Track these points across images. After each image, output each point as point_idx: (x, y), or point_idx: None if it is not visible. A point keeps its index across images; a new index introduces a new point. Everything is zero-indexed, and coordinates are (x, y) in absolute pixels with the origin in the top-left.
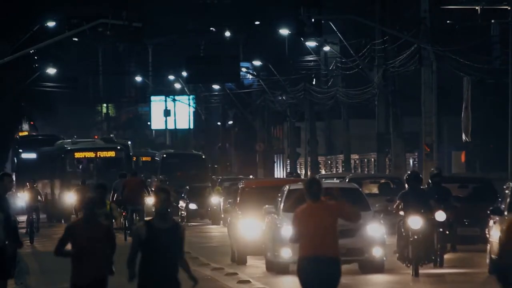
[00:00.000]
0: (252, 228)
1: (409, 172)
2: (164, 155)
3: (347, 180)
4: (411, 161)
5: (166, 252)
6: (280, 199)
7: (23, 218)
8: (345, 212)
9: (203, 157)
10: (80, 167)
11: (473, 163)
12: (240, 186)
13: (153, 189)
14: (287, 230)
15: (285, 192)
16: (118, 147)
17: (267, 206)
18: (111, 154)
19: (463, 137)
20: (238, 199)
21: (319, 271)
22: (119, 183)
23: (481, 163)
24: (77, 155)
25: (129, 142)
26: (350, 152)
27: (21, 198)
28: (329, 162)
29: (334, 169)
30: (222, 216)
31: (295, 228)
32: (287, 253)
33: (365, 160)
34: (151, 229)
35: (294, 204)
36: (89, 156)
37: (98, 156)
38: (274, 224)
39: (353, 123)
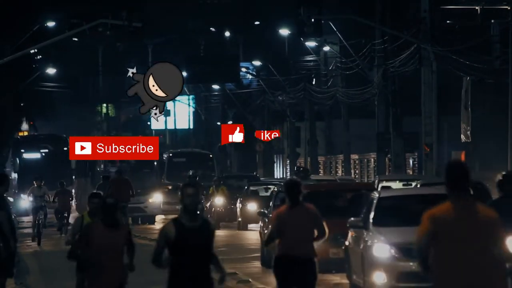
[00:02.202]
0: None
1: (504, 174)
2: (171, 154)
3: (418, 185)
4: (411, 161)
5: (197, 251)
6: (368, 210)
7: (25, 219)
8: (319, 220)
9: (211, 155)
10: (117, 165)
11: (473, 163)
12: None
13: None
14: (380, 249)
15: (375, 201)
16: None
17: (352, 218)
18: None
19: (463, 137)
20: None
21: (296, 270)
22: (102, 185)
23: (481, 163)
24: None
25: None
26: (350, 152)
27: (25, 199)
28: (329, 162)
29: (334, 170)
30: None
31: (273, 228)
32: (380, 278)
33: (365, 160)
34: (180, 228)
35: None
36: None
37: None
38: (363, 241)
39: (353, 123)
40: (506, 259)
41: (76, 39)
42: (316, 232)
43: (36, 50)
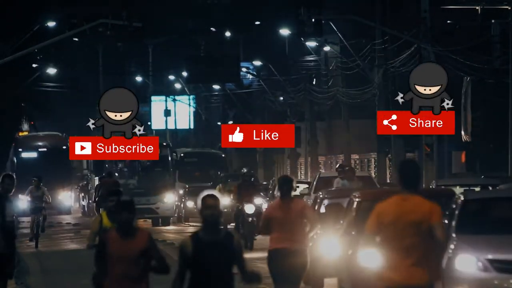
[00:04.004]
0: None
1: None
2: (182, 154)
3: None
4: None
5: (217, 269)
6: (451, 217)
7: (24, 219)
8: (309, 214)
9: (223, 155)
10: (125, 165)
11: (473, 163)
12: (354, 199)
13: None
14: (464, 261)
15: (459, 206)
16: (164, 144)
17: None
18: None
19: (463, 137)
20: (354, 214)
21: (288, 261)
22: (98, 186)
23: (481, 163)
24: None
25: None
26: (350, 152)
27: (23, 199)
28: (329, 162)
29: (334, 170)
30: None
31: (264, 220)
32: None
33: (366, 160)
34: (197, 243)
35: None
36: None
37: None
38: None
39: (353, 123)
40: (442, 244)
41: (76, 39)
42: (308, 224)
43: (36, 50)
